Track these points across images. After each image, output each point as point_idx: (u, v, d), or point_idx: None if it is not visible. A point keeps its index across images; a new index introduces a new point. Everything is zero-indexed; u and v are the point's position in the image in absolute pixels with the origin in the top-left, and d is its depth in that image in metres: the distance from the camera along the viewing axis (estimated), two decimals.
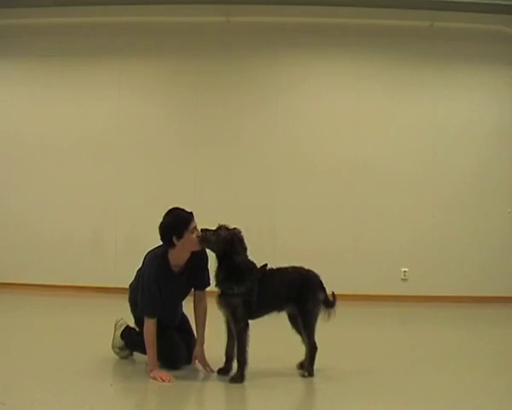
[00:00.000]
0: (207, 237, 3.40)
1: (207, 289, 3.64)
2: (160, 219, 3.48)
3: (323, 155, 6.92)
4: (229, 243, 3.37)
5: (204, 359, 3.58)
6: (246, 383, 3.35)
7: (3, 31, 7.01)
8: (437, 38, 6.92)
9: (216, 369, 3.54)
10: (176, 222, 3.41)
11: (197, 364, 3.63)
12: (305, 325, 3.51)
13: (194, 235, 3.41)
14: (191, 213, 3.47)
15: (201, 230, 3.42)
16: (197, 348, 3.60)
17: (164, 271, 3.45)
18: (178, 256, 3.47)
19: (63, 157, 7.00)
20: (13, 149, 7.05)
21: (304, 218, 6.88)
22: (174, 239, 3.39)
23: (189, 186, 6.81)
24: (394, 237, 6.87)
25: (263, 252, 6.48)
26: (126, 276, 3.68)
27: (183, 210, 3.48)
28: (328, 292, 3.66)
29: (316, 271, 3.63)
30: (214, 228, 3.42)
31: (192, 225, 3.41)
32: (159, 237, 3.45)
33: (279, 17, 6.85)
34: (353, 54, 6.98)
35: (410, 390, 3.35)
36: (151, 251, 3.55)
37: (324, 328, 3.57)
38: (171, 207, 3.52)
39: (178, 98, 7.03)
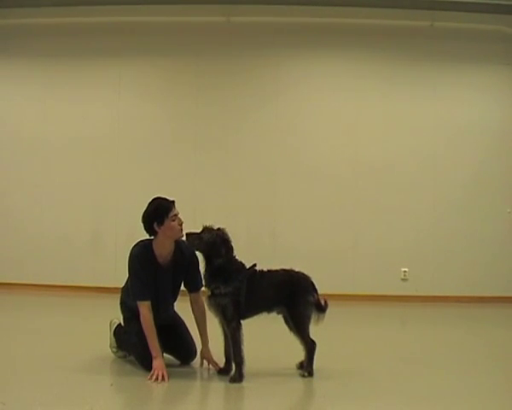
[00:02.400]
0: (192, 240, 3.44)
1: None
2: None
3: (323, 155, 6.92)
4: (211, 245, 3.39)
5: (211, 357, 3.61)
6: (245, 383, 3.35)
7: (3, 31, 7.00)
8: (437, 38, 6.91)
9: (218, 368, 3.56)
10: (156, 209, 3.50)
11: (204, 362, 3.64)
12: (296, 326, 3.51)
13: (176, 222, 3.48)
14: (173, 201, 3.53)
15: (186, 234, 3.46)
16: (203, 349, 3.63)
17: (148, 257, 3.51)
18: (162, 245, 3.53)
19: (63, 157, 6.99)
20: (12, 148, 7.04)
21: (304, 218, 6.88)
22: (155, 226, 3.47)
23: (190, 187, 6.80)
24: (394, 237, 6.87)
25: (263, 252, 6.54)
26: (126, 276, 3.68)
27: (164, 198, 3.56)
28: (325, 292, 3.64)
29: (313, 271, 3.60)
30: (198, 231, 3.45)
31: (172, 213, 3.48)
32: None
33: (279, 17, 6.85)
34: (353, 54, 6.98)
35: (409, 390, 3.35)
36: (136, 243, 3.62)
37: (324, 328, 3.56)
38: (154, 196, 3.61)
39: (178, 98, 7.03)
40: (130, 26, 6.95)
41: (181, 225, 3.50)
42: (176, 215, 3.49)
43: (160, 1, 6.69)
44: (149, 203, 3.56)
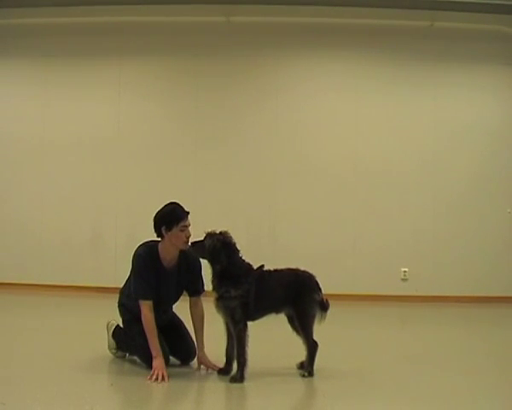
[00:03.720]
0: (196, 249, 3.44)
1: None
2: None
3: (323, 155, 6.92)
4: (212, 251, 3.39)
5: (209, 361, 3.61)
6: (246, 383, 3.35)
7: (3, 31, 7.01)
8: (437, 38, 6.92)
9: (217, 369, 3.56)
10: (169, 214, 3.49)
11: (202, 366, 3.63)
12: (302, 325, 3.51)
13: (183, 233, 3.47)
14: (188, 212, 3.52)
15: (191, 243, 3.47)
16: (199, 354, 3.62)
17: (153, 258, 3.51)
18: (166, 250, 3.53)
19: (63, 157, 7.00)
20: (13, 148, 7.04)
21: (304, 218, 6.88)
22: (163, 230, 3.47)
23: (189, 186, 6.81)
24: (394, 237, 6.87)
25: (263, 252, 6.53)
26: (126, 276, 3.68)
27: (180, 206, 3.54)
28: (325, 292, 3.64)
29: (313, 271, 3.63)
30: (202, 238, 3.45)
31: (183, 223, 3.47)
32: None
33: (279, 17, 6.85)
34: (353, 54, 6.98)
35: (410, 390, 3.35)
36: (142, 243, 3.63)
37: (325, 328, 3.57)
38: (173, 200, 3.59)
39: (178, 98, 7.03)
40: (130, 26, 6.96)
41: (188, 237, 3.48)
42: (186, 226, 3.48)
43: (160, 1, 6.69)
44: (165, 205, 3.56)
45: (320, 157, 6.92)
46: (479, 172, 6.94)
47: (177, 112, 7.03)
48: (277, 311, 3.56)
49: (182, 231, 3.46)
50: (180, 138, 6.99)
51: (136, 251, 3.56)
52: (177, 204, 3.55)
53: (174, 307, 3.82)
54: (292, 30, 6.93)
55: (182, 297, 3.74)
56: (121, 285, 3.76)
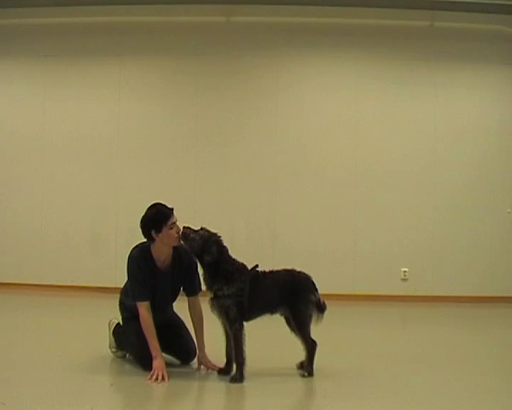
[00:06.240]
0: (187, 233, 3.44)
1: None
2: None
3: (323, 155, 6.92)
4: (205, 240, 3.40)
5: (209, 362, 3.61)
6: (246, 382, 3.35)
7: (3, 31, 7.00)
8: (437, 38, 6.92)
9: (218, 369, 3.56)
10: (155, 216, 3.48)
11: (202, 366, 3.63)
12: (298, 326, 3.51)
13: (174, 230, 3.47)
14: (172, 208, 3.53)
15: (183, 227, 3.46)
16: (200, 354, 3.63)
17: (146, 259, 3.52)
18: (159, 250, 3.53)
19: (63, 157, 6.99)
20: (12, 148, 7.04)
21: (304, 218, 6.87)
22: (153, 233, 3.47)
23: (190, 186, 6.81)
24: (394, 237, 6.87)
25: (263, 252, 6.53)
26: (126, 276, 3.68)
27: (163, 205, 3.54)
28: (325, 292, 3.64)
29: (313, 271, 3.62)
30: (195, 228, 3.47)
31: (171, 221, 3.47)
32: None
33: (279, 17, 6.85)
34: (353, 54, 6.98)
35: (410, 390, 3.35)
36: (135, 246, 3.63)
37: (324, 328, 3.57)
38: (153, 202, 3.59)
39: (178, 98, 7.02)
40: (130, 26, 6.95)
41: (178, 232, 3.48)
42: (174, 223, 3.49)
43: (160, 1, 6.69)
44: (148, 209, 3.55)
45: (320, 157, 6.91)
46: (479, 172, 6.94)
47: (177, 112, 7.03)
48: (272, 311, 3.55)
49: (171, 228, 3.47)
50: (180, 138, 6.99)
51: (129, 254, 3.58)
52: (160, 204, 3.55)
53: (174, 306, 3.82)
54: (292, 30, 6.93)
55: (181, 298, 3.74)
56: (121, 285, 3.77)
